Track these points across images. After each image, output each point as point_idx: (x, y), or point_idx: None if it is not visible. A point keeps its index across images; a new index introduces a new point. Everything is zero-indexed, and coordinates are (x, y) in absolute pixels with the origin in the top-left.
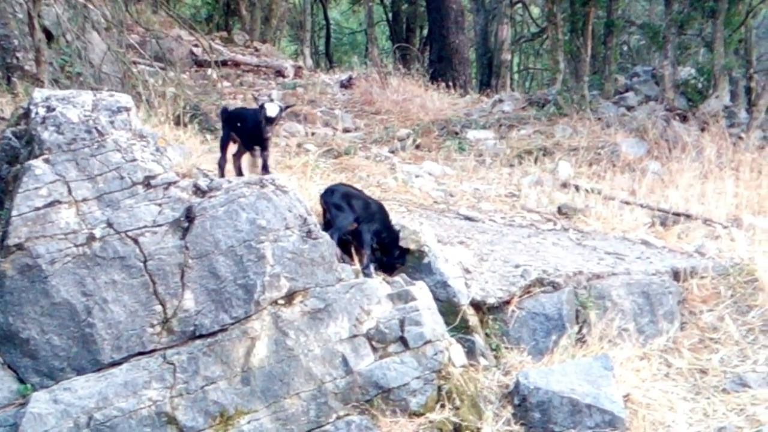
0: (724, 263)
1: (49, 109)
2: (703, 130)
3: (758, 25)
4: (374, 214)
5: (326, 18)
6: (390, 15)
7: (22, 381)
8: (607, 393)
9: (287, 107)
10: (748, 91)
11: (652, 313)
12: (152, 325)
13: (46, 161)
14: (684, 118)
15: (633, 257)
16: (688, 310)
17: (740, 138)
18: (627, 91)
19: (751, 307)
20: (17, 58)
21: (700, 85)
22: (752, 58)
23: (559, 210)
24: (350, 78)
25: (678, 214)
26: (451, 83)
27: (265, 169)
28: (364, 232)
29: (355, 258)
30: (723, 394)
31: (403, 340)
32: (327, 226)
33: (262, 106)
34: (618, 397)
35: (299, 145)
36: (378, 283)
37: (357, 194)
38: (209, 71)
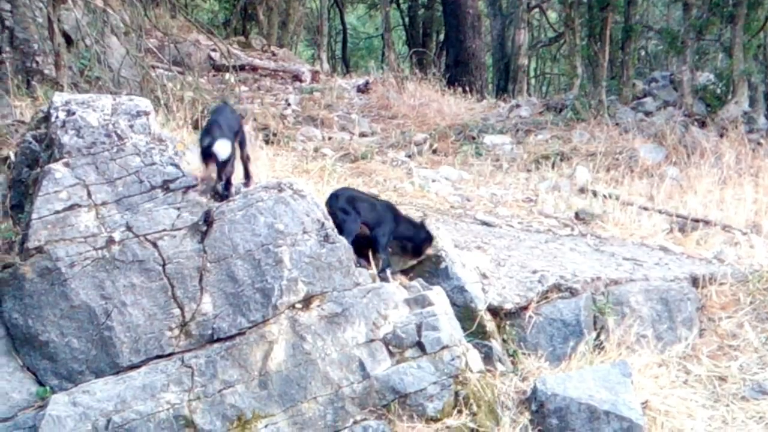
0: (744, 270)
1: (69, 112)
2: (721, 135)
3: None
4: (383, 214)
5: (343, 23)
6: (407, 20)
7: (41, 383)
8: (626, 400)
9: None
10: (767, 96)
11: (670, 320)
12: (170, 329)
13: (66, 165)
14: (703, 124)
15: (651, 263)
16: (707, 316)
17: (759, 144)
18: (645, 96)
19: None
20: (37, 62)
21: (718, 91)
22: None
23: (577, 215)
24: (367, 82)
25: (697, 220)
26: (467, 88)
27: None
28: (379, 237)
29: (372, 262)
30: (742, 402)
31: (420, 345)
32: (338, 231)
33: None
34: (636, 404)
35: (316, 150)
36: (395, 288)
37: (362, 197)
38: (227, 75)
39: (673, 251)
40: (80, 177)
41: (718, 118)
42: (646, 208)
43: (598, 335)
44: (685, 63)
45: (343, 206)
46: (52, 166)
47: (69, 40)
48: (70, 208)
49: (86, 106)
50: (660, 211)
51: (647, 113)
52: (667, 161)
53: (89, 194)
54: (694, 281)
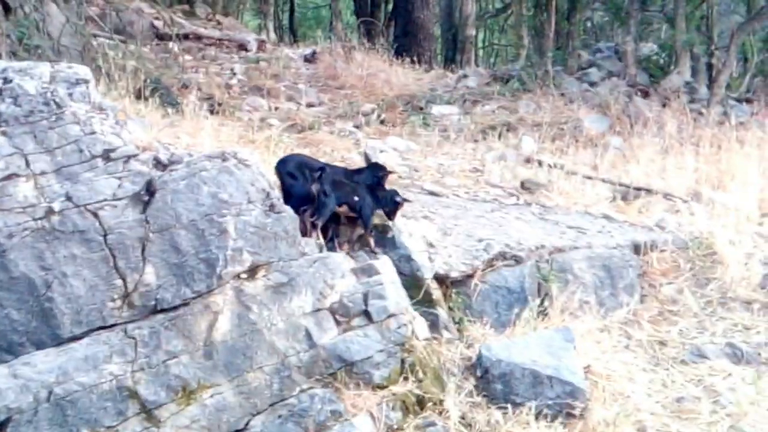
0: (684, 237)
1: (6, 80)
2: (664, 105)
3: (720, 1)
4: (362, 191)
5: None
6: None
7: None
8: (568, 365)
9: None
10: (709, 67)
11: (612, 286)
12: (113, 300)
13: (4, 134)
14: (646, 94)
15: (594, 231)
16: (648, 283)
17: (701, 113)
18: (590, 66)
19: (710, 279)
20: None
21: (661, 61)
22: (713, 34)
23: (522, 185)
24: (314, 52)
25: (639, 189)
26: (415, 58)
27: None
28: (365, 208)
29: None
30: (681, 365)
31: (366, 314)
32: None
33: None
34: (579, 369)
35: (262, 120)
36: (342, 258)
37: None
38: (170, 44)
39: (616, 219)
40: (18, 146)
41: (660, 88)
42: (590, 177)
43: (542, 302)
44: (629, 34)
45: (325, 189)
46: None
47: (7, 8)
48: (8, 177)
49: (24, 73)
50: (603, 180)
51: (592, 83)
52: (611, 131)
53: (27, 164)
54: (636, 248)
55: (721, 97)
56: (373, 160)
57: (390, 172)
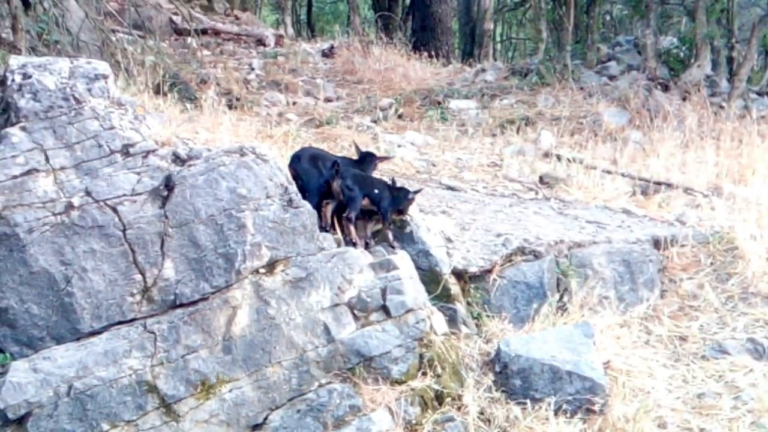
0: (705, 232)
1: (26, 76)
2: (684, 99)
3: None
4: (381, 187)
5: None
6: None
7: (1, 350)
8: (588, 360)
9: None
10: (730, 60)
11: (632, 281)
12: (132, 294)
13: (23, 129)
14: (666, 88)
15: (614, 226)
16: (669, 278)
17: (721, 107)
18: (609, 60)
19: (731, 274)
20: None
21: (682, 55)
22: (734, 27)
23: (541, 179)
24: (332, 47)
25: (659, 183)
26: (433, 53)
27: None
28: (383, 200)
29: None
30: (702, 361)
31: (384, 309)
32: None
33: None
34: (598, 364)
35: (280, 115)
36: (360, 252)
37: (364, 175)
38: (189, 40)
39: (636, 214)
40: (38, 141)
41: (680, 81)
42: (609, 172)
43: (561, 297)
44: (649, 27)
45: (349, 184)
46: (9, 130)
47: (26, 4)
48: (28, 173)
49: (43, 69)
50: (623, 175)
51: (611, 77)
52: (631, 125)
53: (47, 159)
54: (656, 243)
55: (741, 91)
56: (363, 149)
57: (384, 158)
